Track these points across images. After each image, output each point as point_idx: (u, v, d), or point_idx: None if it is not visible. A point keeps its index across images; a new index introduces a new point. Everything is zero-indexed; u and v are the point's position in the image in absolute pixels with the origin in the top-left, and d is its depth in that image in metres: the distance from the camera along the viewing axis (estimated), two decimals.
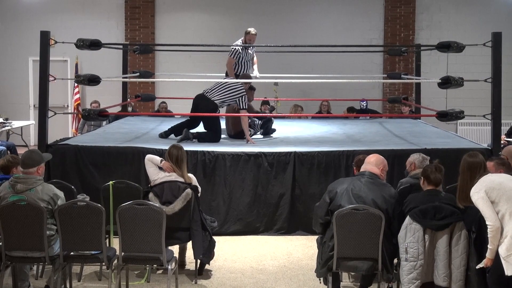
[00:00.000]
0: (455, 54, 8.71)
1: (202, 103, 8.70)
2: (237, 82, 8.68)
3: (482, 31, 11.87)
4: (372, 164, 5.45)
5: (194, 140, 8.51)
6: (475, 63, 13.00)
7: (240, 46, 9.26)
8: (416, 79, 11.38)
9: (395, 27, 14.40)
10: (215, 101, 8.63)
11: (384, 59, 14.37)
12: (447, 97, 13.64)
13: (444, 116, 7.99)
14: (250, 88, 8.86)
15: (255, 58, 9.71)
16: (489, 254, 4.65)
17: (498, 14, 14.28)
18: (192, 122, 8.91)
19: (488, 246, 4.63)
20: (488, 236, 4.60)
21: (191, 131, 8.65)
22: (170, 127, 8.92)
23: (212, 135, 8.64)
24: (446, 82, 8.00)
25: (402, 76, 11.73)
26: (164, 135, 8.80)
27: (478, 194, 4.65)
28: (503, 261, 4.55)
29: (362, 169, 5.48)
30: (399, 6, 14.39)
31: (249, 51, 9.31)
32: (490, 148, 7.78)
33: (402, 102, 12.13)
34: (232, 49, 9.16)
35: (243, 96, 8.58)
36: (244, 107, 8.59)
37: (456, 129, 13.86)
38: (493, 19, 13.95)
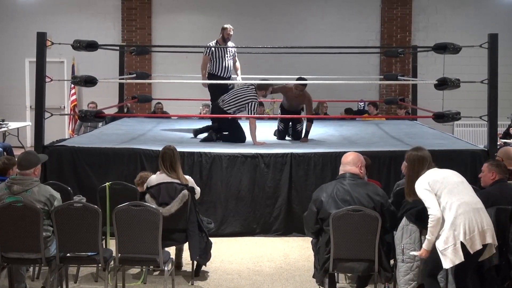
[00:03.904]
0: (451, 55, 8.71)
1: (217, 113, 8.87)
2: (247, 91, 8.67)
3: (478, 32, 11.91)
4: (350, 164, 5.31)
5: (217, 140, 8.75)
6: (471, 65, 13.04)
7: (235, 47, 9.57)
8: (412, 80, 11.40)
9: (392, 28, 14.43)
10: (228, 111, 8.67)
11: (381, 61, 14.40)
12: (443, 98, 13.67)
13: (441, 117, 8.00)
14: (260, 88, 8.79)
15: (237, 64, 9.77)
16: (426, 245, 4.71)
17: (494, 16, 14.32)
18: (219, 127, 9.08)
19: (427, 236, 4.69)
20: (428, 226, 4.67)
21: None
22: (204, 126, 9.14)
23: (235, 136, 8.70)
24: (443, 84, 8.01)
25: (399, 77, 11.74)
26: (199, 132, 9.07)
27: (422, 185, 4.76)
28: (440, 254, 4.61)
29: (341, 171, 5.35)
30: (395, 7, 14.42)
31: (228, 51, 9.44)
32: (486, 149, 7.80)
33: (398, 103, 12.16)
34: (205, 48, 9.39)
35: (252, 103, 8.57)
36: (252, 113, 8.58)
37: (453, 131, 13.90)
38: (489, 21, 13.99)
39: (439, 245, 4.61)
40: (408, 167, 5.04)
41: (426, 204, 4.70)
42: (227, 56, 9.47)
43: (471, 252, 4.59)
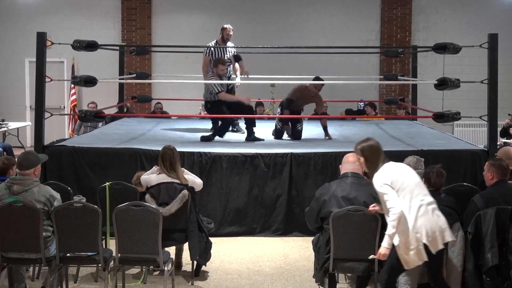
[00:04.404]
0: (451, 55, 8.72)
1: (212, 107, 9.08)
2: (209, 74, 8.99)
3: (478, 32, 11.91)
4: (352, 164, 5.32)
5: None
6: (471, 65, 13.04)
7: (235, 47, 9.59)
8: (412, 80, 11.39)
9: (392, 28, 14.43)
10: (210, 100, 8.92)
11: (381, 61, 14.40)
12: (443, 98, 13.67)
13: (441, 117, 8.00)
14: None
15: (237, 65, 9.77)
16: (386, 243, 4.57)
17: (494, 16, 14.32)
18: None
19: (387, 232, 4.55)
20: (390, 220, 4.52)
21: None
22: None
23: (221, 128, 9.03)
24: (443, 84, 8.01)
25: (399, 77, 11.75)
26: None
27: (384, 181, 4.61)
28: (402, 255, 4.55)
29: (343, 171, 5.37)
30: (395, 7, 14.42)
31: (228, 51, 9.47)
32: (486, 149, 7.80)
33: (398, 103, 12.16)
34: (205, 49, 9.40)
35: (213, 79, 8.79)
36: (220, 90, 8.77)
37: (453, 131, 13.89)
38: (489, 21, 13.99)
39: (400, 248, 4.54)
40: (366, 160, 4.80)
41: (388, 200, 4.54)
42: (226, 57, 9.47)
43: (434, 253, 4.59)
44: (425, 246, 4.52)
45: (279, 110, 9.35)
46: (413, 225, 4.51)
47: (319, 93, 9.04)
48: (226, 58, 9.47)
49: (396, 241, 4.56)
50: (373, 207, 4.84)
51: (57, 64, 14.18)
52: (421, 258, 4.54)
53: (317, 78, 9.04)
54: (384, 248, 4.60)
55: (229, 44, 9.54)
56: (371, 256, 4.85)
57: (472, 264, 5.05)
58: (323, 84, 8.96)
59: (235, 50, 9.72)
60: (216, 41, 9.50)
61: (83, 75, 8.27)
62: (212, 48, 9.29)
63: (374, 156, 4.76)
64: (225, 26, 9.49)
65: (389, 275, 4.78)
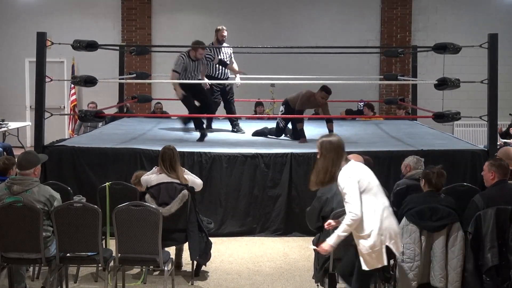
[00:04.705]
0: (451, 55, 8.71)
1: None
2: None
3: (478, 32, 11.90)
4: None
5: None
6: (471, 65, 13.03)
7: (230, 47, 9.66)
8: (412, 80, 11.39)
9: (392, 28, 14.42)
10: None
11: (381, 61, 14.39)
12: (443, 98, 13.66)
13: (441, 117, 8.00)
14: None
15: (235, 65, 9.77)
16: (333, 241, 4.49)
17: (494, 16, 14.32)
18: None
19: (338, 232, 4.46)
20: (345, 223, 4.42)
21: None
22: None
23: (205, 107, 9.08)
24: (443, 84, 8.01)
25: (399, 77, 11.75)
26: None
27: (352, 180, 4.47)
28: (362, 257, 4.50)
29: None
30: (395, 7, 14.41)
31: (224, 52, 9.48)
32: (486, 149, 7.80)
33: (398, 103, 12.16)
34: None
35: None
36: (173, 69, 8.87)
37: (453, 131, 13.89)
38: (489, 21, 13.99)
39: (364, 249, 4.48)
40: (323, 156, 4.58)
41: (350, 202, 4.42)
42: (224, 58, 9.49)
43: (397, 254, 4.60)
44: (388, 249, 4.49)
45: (282, 108, 9.30)
46: (379, 227, 4.46)
47: (326, 101, 8.98)
48: (225, 59, 9.48)
49: (360, 243, 4.50)
50: (327, 225, 4.76)
51: (57, 64, 14.17)
52: (381, 262, 4.49)
53: (324, 88, 8.89)
54: (328, 245, 4.50)
55: (225, 45, 9.56)
56: (312, 247, 4.88)
57: (472, 264, 5.04)
58: (330, 94, 8.87)
59: (231, 51, 9.71)
60: (212, 43, 9.51)
61: (83, 75, 8.28)
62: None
63: (334, 155, 4.54)
64: (219, 27, 9.51)
65: (342, 275, 4.81)
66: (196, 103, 8.99)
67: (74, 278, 6.11)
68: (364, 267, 4.51)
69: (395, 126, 10.63)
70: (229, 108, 9.94)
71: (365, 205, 4.46)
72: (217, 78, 9.49)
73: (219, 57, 9.46)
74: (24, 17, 14.45)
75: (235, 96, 10.19)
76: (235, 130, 9.84)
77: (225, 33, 9.49)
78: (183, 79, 8.83)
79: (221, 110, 10.23)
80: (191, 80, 8.89)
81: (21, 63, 14.47)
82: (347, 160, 4.60)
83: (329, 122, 9.10)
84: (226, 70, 9.58)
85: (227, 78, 9.62)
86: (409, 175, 6.17)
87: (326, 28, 14.34)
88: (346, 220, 4.43)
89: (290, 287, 6.10)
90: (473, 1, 14.62)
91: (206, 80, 9.35)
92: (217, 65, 9.49)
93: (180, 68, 8.79)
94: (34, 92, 7.99)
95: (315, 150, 7.70)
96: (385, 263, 4.52)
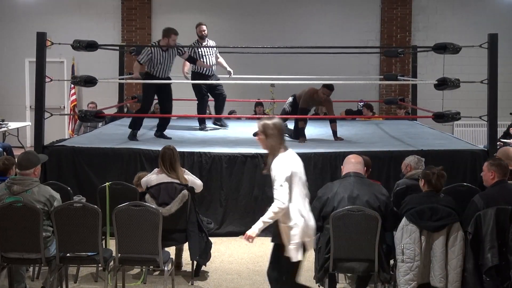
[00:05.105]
0: (451, 55, 8.71)
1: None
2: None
3: (478, 32, 11.89)
4: (354, 164, 5.37)
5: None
6: (471, 65, 13.03)
7: (215, 46, 9.82)
8: (412, 80, 11.40)
9: (392, 28, 14.42)
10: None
11: (381, 61, 14.40)
12: (443, 98, 13.65)
13: (441, 117, 8.00)
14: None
15: (220, 59, 9.97)
16: (257, 229, 4.56)
17: (494, 16, 14.32)
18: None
19: (264, 218, 4.55)
20: (273, 210, 4.52)
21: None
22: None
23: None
24: (443, 84, 8.01)
25: (399, 77, 11.74)
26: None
27: (285, 168, 4.54)
28: (291, 248, 4.53)
29: (345, 171, 5.40)
30: (395, 7, 14.42)
31: (208, 48, 9.58)
32: (486, 149, 7.80)
33: (398, 103, 12.16)
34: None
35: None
36: (137, 58, 8.89)
37: (453, 131, 13.89)
38: (489, 21, 13.98)
39: (286, 238, 4.55)
40: (269, 136, 4.61)
41: (279, 189, 4.52)
42: (208, 54, 9.62)
43: (308, 252, 4.63)
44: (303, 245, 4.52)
45: (290, 99, 9.32)
46: (305, 222, 4.53)
47: (329, 98, 8.99)
48: (208, 55, 9.63)
49: (283, 231, 4.56)
50: (245, 237, 4.71)
51: (57, 64, 14.17)
52: (297, 256, 4.51)
53: (326, 84, 8.92)
54: (253, 232, 4.56)
55: (211, 42, 9.75)
56: (241, 237, 4.86)
57: (472, 264, 5.04)
58: (332, 90, 8.88)
59: (216, 49, 9.82)
60: (197, 40, 9.70)
61: (83, 75, 8.28)
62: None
63: (274, 134, 4.59)
64: (198, 23, 9.70)
65: (285, 270, 4.76)
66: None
67: (74, 278, 6.11)
68: (294, 258, 4.50)
69: (395, 126, 10.64)
70: (218, 105, 10.18)
71: (294, 196, 4.54)
72: (202, 74, 9.67)
73: (208, 54, 9.59)
74: (24, 17, 14.45)
75: (235, 96, 10.21)
76: (219, 124, 10.14)
77: (204, 28, 9.66)
78: (151, 70, 8.79)
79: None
80: (162, 71, 8.80)
81: (21, 63, 14.47)
82: (286, 148, 4.66)
83: (333, 122, 9.08)
84: (213, 66, 9.73)
85: (214, 75, 9.79)
86: (409, 175, 6.16)
87: (326, 28, 14.34)
88: (273, 208, 4.53)
89: None
90: (473, 1, 14.63)
91: (208, 81, 9.40)
92: (205, 63, 9.57)
93: (144, 58, 8.72)
94: (34, 92, 7.99)
95: (315, 150, 7.80)
96: (301, 258, 4.54)
